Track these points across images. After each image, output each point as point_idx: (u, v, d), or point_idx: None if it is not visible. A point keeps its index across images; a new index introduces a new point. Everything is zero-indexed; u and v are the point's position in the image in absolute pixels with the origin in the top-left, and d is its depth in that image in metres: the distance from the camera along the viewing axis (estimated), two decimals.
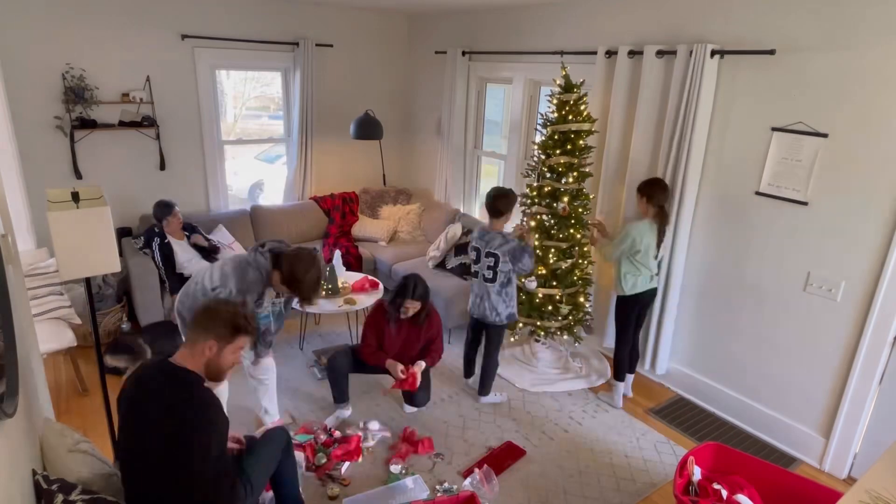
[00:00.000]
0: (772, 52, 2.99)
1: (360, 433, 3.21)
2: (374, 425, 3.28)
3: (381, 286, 4.26)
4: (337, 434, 3.19)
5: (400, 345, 3.31)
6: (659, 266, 3.55)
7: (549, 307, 3.72)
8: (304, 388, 3.70)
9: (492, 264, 3.33)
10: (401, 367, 3.20)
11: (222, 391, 3.02)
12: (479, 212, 5.59)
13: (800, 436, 3.21)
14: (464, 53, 5.02)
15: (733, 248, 3.38)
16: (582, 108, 3.52)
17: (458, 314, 4.30)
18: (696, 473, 2.65)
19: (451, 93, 5.17)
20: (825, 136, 2.88)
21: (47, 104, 4.15)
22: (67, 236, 2.19)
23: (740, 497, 2.50)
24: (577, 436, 3.34)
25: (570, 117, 3.51)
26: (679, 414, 3.60)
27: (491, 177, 5.94)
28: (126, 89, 4.43)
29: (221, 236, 4.75)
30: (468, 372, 3.82)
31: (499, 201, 3.31)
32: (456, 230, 4.77)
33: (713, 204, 3.44)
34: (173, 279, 4.09)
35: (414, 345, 3.34)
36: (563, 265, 3.67)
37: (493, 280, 3.36)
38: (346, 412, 3.39)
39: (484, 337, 3.63)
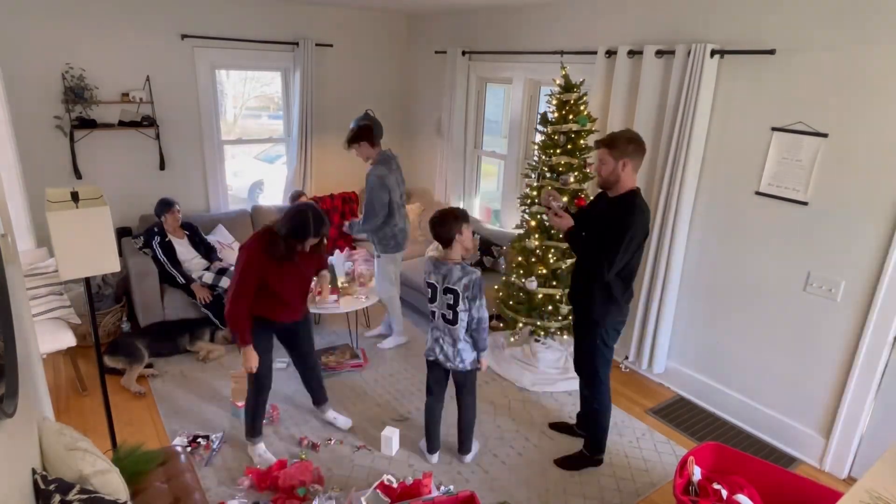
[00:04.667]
0: (772, 52, 2.99)
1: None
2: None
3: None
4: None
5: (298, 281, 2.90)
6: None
7: (549, 307, 3.72)
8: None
9: (451, 302, 2.72)
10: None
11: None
12: (478, 211, 5.60)
13: (800, 436, 3.20)
14: (464, 53, 5.02)
15: (733, 247, 3.38)
16: (582, 108, 3.52)
17: None
18: (696, 473, 2.65)
19: (451, 93, 5.17)
20: (825, 136, 2.88)
21: (47, 104, 4.15)
22: (67, 236, 2.19)
23: (740, 497, 2.50)
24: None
25: (570, 117, 3.51)
26: (679, 414, 3.59)
27: (491, 176, 5.94)
28: (126, 89, 4.43)
29: (221, 236, 4.75)
30: (433, 444, 3.04)
31: (439, 228, 2.68)
32: None
33: (713, 203, 3.44)
34: (182, 273, 4.11)
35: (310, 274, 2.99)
36: (563, 265, 3.67)
37: (454, 322, 2.75)
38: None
39: (449, 384, 2.99)
